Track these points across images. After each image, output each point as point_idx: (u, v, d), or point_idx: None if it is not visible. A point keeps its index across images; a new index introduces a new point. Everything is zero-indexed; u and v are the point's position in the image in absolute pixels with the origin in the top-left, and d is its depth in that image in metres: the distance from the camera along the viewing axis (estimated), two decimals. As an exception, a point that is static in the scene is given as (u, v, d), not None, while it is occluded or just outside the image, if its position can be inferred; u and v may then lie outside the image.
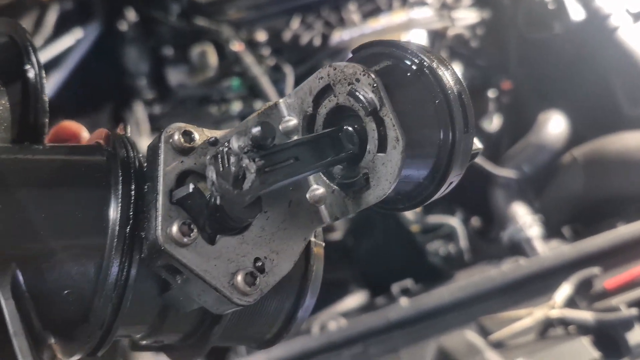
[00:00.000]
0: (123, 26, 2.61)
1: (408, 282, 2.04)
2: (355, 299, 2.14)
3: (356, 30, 2.50)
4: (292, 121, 0.52)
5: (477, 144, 0.54)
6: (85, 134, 0.62)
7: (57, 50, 2.49)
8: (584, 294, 1.70)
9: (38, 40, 2.45)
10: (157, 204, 0.48)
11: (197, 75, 2.52)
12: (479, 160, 2.33)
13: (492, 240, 2.28)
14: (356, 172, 0.50)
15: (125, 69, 2.65)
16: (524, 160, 2.34)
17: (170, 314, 0.55)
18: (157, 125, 2.46)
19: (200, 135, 0.51)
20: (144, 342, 0.59)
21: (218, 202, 0.47)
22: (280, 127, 0.52)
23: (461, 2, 2.65)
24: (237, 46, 2.50)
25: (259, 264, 0.49)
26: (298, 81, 2.50)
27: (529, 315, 1.66)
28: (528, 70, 2.60)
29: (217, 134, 0.52)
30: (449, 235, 2.26)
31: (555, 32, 2.45)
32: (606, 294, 1.68)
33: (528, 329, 1.64)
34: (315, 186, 0.51)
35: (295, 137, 0.52)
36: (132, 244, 0.49)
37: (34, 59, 0.56)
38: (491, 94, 2.56)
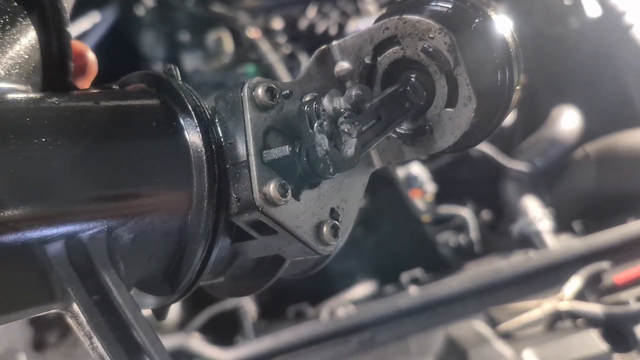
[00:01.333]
0: (140, 11, 2.62)
1: (417, 272, 2.04)
2: (364, 288, 2.15)
3: (372, 20, 2.50)
4: (346, 65, 0.51)
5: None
6: (90, 54, 0.60)
7: (74, 34, 2.48)
8: (593, 288, 1.71)
9: (55, 24, 2.46)
10: (250, 165, 0.47)
11: (212, 61, 2.53)
12: (491, 152, 2.34)
13: (502, 233, 2.29)
14: (419, 123, 0.50)
15: (141, 54, 2.66)
16: (536, 154, 2.34)
17: (238, 260, 0.56)
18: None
19: (277, 88, 0.50)
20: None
21: (309, 162, 0.48)
22: (335, 71, 0.52)
23: (477, -5, 2.65)
24: (253, 33, 2.51)
25: (334, 214, 0.51)
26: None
27: (538, 307, 1.66)
28: (543, 65, 2.60)
29: (289, 85, 0.51)
30: (460, 227, 2.26)
31: (571, 28, 2.44)
32: (615, 288, 1.68)
33: (536, 321, 1.65)
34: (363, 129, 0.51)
35: (349, 83, 0.51)
36: (219, 203, 0.49)
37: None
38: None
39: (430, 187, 2.26)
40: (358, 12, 2.59)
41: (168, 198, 0.49)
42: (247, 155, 0.48)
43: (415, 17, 0.49)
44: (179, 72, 0.52)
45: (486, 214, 2.39)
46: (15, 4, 0.51)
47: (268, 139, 0.49)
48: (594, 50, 2.44)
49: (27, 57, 0.51)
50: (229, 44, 2.51)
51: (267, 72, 2.45)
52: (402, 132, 0.51)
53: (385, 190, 2.31)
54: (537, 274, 1.78)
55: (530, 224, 2.14)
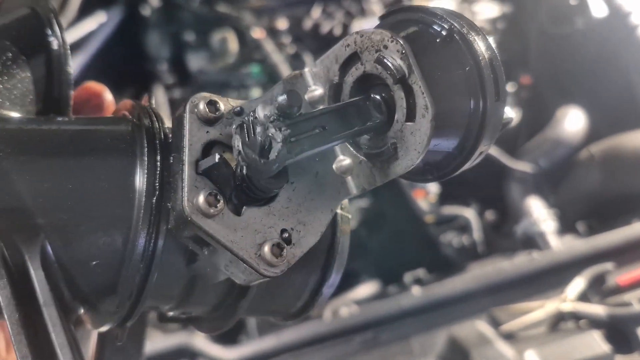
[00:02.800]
0: (146, 11, 2.63)
1: (420, 272, 2.05)
2: (367, 288, 2.15)
3: (377, 21, 2.50)
4: (318, 90, 0.50)
5: (509, 113, 0.51)
6: (108, 95, 0.62)
7: (80, 34, 2.51)
8: (597, 289, 1.70)
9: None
10: (183, 175, 0.47)
11: (217, 61, 2.54)
12: (495, 153, 2.34)
13: (505, 234, 2.29)
14: (384, 142, 0.48)
15: (146, 54, 2.67)
16: (541, 154, 2.34)
17: (198, 286, 0.55)
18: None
19: (225, 105, 0.50)
20: (171, 314, 0.59)
21: (245, 172, 0.47)
22: (306, 97, 0.50)
23: (482, -5, 2.65)
24: (257, 33, 2.51)
25: (286, 235, 0.48)
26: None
27: (541, 308, 1.66)
28: (548, 65, 2.60)
29: (242, 103, 0.51)
30: (463, 227, 2.26)
31: (577, 28, 2.44)
32: (619, 289, 1.68)
33: (539, 322, 1.64)
34: (341, 157, 0.50)
35: (322, 107, 0.50)
36: (158, 214, 0.49)
37: (57, 30, 0.55)
38: (510, 88, 2.56)
39: (434, 188, 2.26)
40: (363, 13, 2.59)
41: (110, 211, 0.50)
42: (182, 164, 0.48)
43: (371, 29, 0.47)
44: (154, 99, 0.53)
45: (490, 215, 2.39)
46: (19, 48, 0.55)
47: (212, 152, 0.49)
48: (600, 51, 2.44)
49: (25, 89, 0.54)
50: (233, 44, 2.52)
51: (271, 72, 2.46)
52: (371, 152, 0.49)
53: (388, 191, 2.31)
54: (540, 275, 1.78)
55: (534, 225, 2.14)
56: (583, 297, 1.68)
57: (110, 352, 0.60)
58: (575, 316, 1.64)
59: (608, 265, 1.72)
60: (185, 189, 0.46)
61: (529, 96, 2.59)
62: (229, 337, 1.85)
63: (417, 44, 0.46)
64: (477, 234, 2.24)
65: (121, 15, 2.64)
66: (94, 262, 0.49)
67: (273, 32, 2.58)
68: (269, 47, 2.48)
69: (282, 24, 2.61)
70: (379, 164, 0.48)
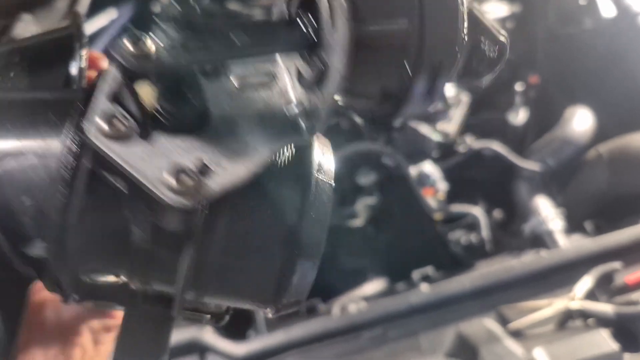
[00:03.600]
0: (156, 8, 2.63)
1: (429, 269, 2.05)
2: (375, 285, 2.16)
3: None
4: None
5: (494, 27, 0.50)
6: (104, 63, 0.63)
7: (90, 30, 2.52)
8: (605, 288, 1.71)
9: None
10: (95, 101, 0.45)
11: (227, 58, 2.54)
12: (503, 151, 2.34)
13: (513, 232, 2.29)
14: (315, 64, 0.46)
15: (156, 50, 2.67)
16: (549, 153, 2.34)
17: (147, 250, 0.49)
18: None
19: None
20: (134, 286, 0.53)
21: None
22: None
23: (492, -6, 2.66)
24: (267, 31, 2.52)
25: (203, 165, 0.44)
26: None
27: (549, 306, 1.66)
28: (556, 65, 2.60)
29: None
30: (472, 225, 2.27)
31: (585, 28, 2.44)
32: (626, 288, 1.68)
33: (547, 320, 1.65)
34: (288, 88, 0.46)
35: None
36: (80, 145, 0.46)
37: (78, 58, 0.57)
38: (518, 87, 2.56)
39: (443, 186, 2.26)
40: (373, 11, 2.60)
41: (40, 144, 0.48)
42: (97, 92, 0.46)
43: None
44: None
45: (498, 213, 2.39)
46: None
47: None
48: (608, 51, 2.44)
49: None
50: (244, 42, 2.52)
51: (281, 69, 2.46)
52: (309, 80, 0.46)
53: (397, 188, 2.32)
54: (548, 273, 1.78)
55: (542, 224, 2.15)
56: (591, 295, 1.68)
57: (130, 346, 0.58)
58: (583, 314, 1.64)
59: (616, 264, 1.72)
60: (93, 112, 0.44)
61: (537, 96, 2.60)
62: (237, 332, 1.86)
63: None
64: (485, 232, 2.24)
65: (132, 12, 2.64)
66: (29, 204, 0.47)
67: (283, 30, 2.58)
68: (279, 44, 2.48)
69: (292, 21, 2.61)
70: (316, 89, 0.46)
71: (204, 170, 0.43)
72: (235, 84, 0.47)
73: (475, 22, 0.47)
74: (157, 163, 0.43)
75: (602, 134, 2.34)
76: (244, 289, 0.52)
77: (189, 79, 0.46)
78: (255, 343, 1.74)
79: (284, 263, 0.49)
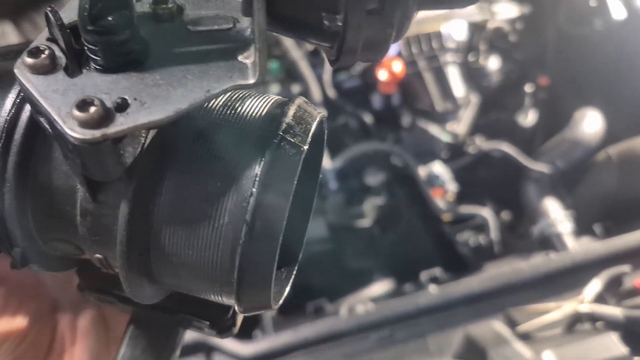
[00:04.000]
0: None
1: (437, 271, 2.05)
2: (383, 285, 2.15)
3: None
4: None
5: None
6: None
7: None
8: (613, 291, 1.70)
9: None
10: (35, 40, 0.44)
11: (236, 56, 2.53)
12: (513, 152, 2.34)
13: (522, 234, 2.29)
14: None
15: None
16: (558, 155, 2.33)
17: (94, 213, 0.47)
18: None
19: None
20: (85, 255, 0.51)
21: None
22: None
23: (502, -5, 2.65)
24: (275, 34, 2.51)
25: (119, 100, 0.40)
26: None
27: (558, 309, 1.66)
28: (566, 67, 2.59)
29: None
30: (480, 227, 2.26)
31: (596, 30, 2.44)
32: (636, 292, 1.67)
33: (556, 323, 1.64)
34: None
35: None
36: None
37: None
38: (528, 88, 2.56)
39: (452, 187, 2.26)
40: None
41: None
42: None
43: None
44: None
45: (506, 215, 2.39)
46: None
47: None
48: (619, 53, 2.43)
49: None
50: (253, 40, 2.51)
51: (290, 68, 2.46)
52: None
53: (406, 188, 2.32)
54: (557, 276, 1.78)
55: (550, 226, 2.14)
56: (600, 298, 1.68)
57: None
58: (592, 318, 1.64)
59: (625, 268, 1.72)
60: (26, 50, 0.43)
61: (546, 97, 2.59)
62: (244, 332, 1.86)
63: None
64: (493, 233, 2.24)
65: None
66: None
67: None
68: (288, 43, 2.47)
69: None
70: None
71: (121, 106, 0.40)
72: (189, 26, 0.44)
73: None
74: (71, 99, 0.40)
75: (611, 136, 2.34)
76: (196, 265, 0.46)
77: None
78: (262, 343, 1.74)
79: (236, 238, 0.43)
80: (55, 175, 0.47)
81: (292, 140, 0.45)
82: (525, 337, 1.63)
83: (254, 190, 0.43)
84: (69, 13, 0.44)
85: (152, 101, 0.40)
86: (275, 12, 0.41)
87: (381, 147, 2.32)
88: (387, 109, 2.43)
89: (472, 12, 2.54)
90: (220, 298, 0.48)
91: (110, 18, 0.41)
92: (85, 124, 0.39)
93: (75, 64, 0.42)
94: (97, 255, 0.48)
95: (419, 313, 1.75)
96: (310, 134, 0.46)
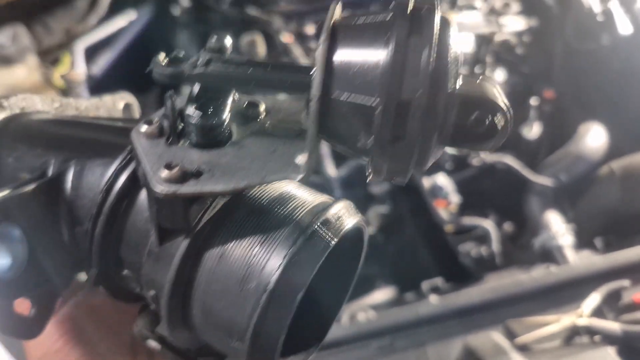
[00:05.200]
0: (176, 11, 2.66)
1: (438, 281, 2.06)
2: (385, 294, 2.16)
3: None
4: None
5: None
6: None
7: (110, 31, 2.55)
8: (612, 306, 1.71)
9: (92, 20, 2.52)
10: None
11: (244, 63, 2.55)
12: (516, 165, 2.35)
13: (523, 246, 2.30)
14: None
15: (175, 53, 2.69)
16: (562, 169, 2.34)
17: (155, 253, 0.57)
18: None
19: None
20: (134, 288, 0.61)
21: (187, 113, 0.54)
22: None
23: (510, 8, 2.66)
24: (286, 38, 2.53)
25: (195, 169, 0.51)
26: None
27: (556, 322, 1.67)
28: (572, 81, 2.60)
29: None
30: (482, 238, 2.27)
31: (602, 44, 2.45)
32: (634, 306, 1.68)
33: (554, 335, 1.65)
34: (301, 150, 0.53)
35: None
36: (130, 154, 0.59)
37: None
38: (533, 101, 2.57)
39: (455, 198, 2.27)
40: (390, 21, 2.60)
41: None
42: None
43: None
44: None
45: (508, 227, 2.40)
46: None
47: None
48: (624, 68, 2.44)
49: None
50: (261, 48, 2.54)
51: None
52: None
53: (409, 198, 2.33)
54: (556, 289, 1.79)
55: (552, 239, 2.15)
56: (598, 312, 1.69)
57: None
58: (590, 331, 1.64)
59: (624, 282, 1.72)
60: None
61: (551, 110, 2.60)
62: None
63: None
64: (495, 245, 2.25)
65: (151, 14, 2.67)
66: (88, 187, 0.59)
67: (301, 37, 2.60)
68: (297, 51, 2.49)
69: (310, 29, 2.62)
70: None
71: (196, 174, 0.51)
72: (267, 125, 0.56)
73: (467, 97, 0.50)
74: (164, 158, 0.52)
75: (615, 150, 2.35)
76: (222, 317, 0.54)
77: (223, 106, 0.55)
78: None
79: (257, 300, 0.51)
80: (138, 218, 0.57)
81: (323, 233, 0.53)
82: (523, 348, 1.64)
83: (281, 266, 0.51)
84: (184, 99, 0.55)
85: (220, 176, 0.51)
86: (327, 125, 0.50)
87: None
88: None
89: (479, 25, 2.56)
90: (228, 350, 0.56)
91: (208, 110, 0.53)
92: (166, 181, 0.50)
93: (175, 137, 0.54)
94: (151, 292, 0.57)
95: (419, 322, 1.76)
96: (342, 233, 0.54)
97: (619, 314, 1.69)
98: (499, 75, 2.56)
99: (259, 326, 0.51)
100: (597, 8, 2.44)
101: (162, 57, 0.55)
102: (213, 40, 0.55)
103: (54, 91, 2.38)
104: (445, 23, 0.49)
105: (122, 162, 0.58)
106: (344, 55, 0.49)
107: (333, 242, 0.53)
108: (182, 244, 0.53)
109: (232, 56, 0.55)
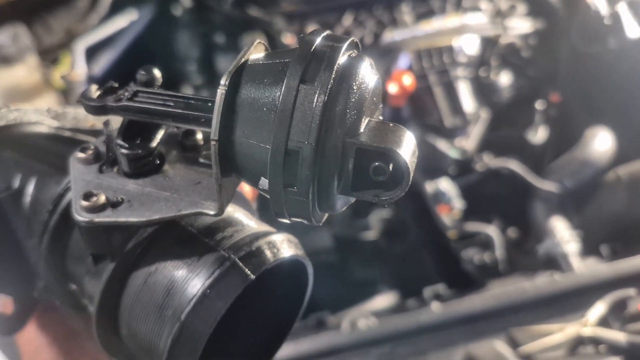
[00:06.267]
0: (177, 11, 2.64)
1: (440, 287, 2.04)
2: (386, 299, 2.15)
3: (408, 32, 2.50)
4: None
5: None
6: None
7: (110, 30, 2.54)
8: (618, 315, 1.69)
9: (93, 20, 2.50)
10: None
11: (246, 64, 2.54)
12: (521, 171, 2.33)
13: (527, 253, 2.27)
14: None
15: (176, 53, 2.68)
16: (567, 174, 2.32)
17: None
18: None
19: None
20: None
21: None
22: None
23: (515, 10, 2.64)
24: (288, 38, 2.52)
25: (117, 199, 0.54)
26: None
27: (561, 331, 1.65)
28: (578, 84, 2.58)
29: None
30: (485, 244, 2.25)
31: (609, 48, 2.42)
32: (640, 316, 1.67)
33: (558, 345, 1.64)
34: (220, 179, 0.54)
35: None
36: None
37: None
38: (539, 105, 2.55)
39: (459, 204, 2.25)
40: (394, 22, 2.58)
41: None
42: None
43: None
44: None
45: (512, 233, 2.37)
46: None
47: None
48: (632, 72, 2.41)
49: None
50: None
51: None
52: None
53: (412, 203, 2.31)
54: (561, 297, 1.77)
55: (556, 245, 2.12)
56: (604, 322, 1.67)
57: None
58: (595, 341, 1.63)
59: (630, 291, 1.71)
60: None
61: (557, 114, 2.58)
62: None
63: None
64: (499, 251, 2.22)
65: (152, 14, 2.65)
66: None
67: (303, 38, 2.58)
68: (299, 53, 2.48)
69: (312, 30, 2.61)
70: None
71: (115, 204, 0.54)
72: (201, 158, 0.60)
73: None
74: (88, 186, 0.55)
75: (622, 156, 2.32)
76: (144, 338, 0.58)
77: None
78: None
79: (170, 332, 0.55)
80: (78, 242, 0.60)
81: (242, 267, 0.55)
82: (526, 358, 1.63)
83: (196, 297, 0.53)
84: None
85: (138, 206, 0.54)
86: (233, 163, 0.52)
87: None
88: (396, 122, 2.42)
89: (485, 27, 2.54)
90: None
91: (137, 141, 0.56)
92: (86, 209, 0.53)
93: (108, 165, 0.57)
94: (91, 308, 0.60)
95: (420, 330, 1.75)
96: (264, 268, 0.56)
97: (624, 323, 1.67)
98: (504, 78, 2.53)
99: (172, 353, 0.54)
100: (604, 11, 2.41)
101: (94, 88, 0.57)
102: (143, 73, 0.57)
103: (54, 92, 2.37)
104: (353, 64, 0.49)
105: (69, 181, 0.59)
106: (246, 96, 0.50)
107: (251, 277, 0.55)
108: (108, 267, 0.56)
109: (159, 90, 0.57)
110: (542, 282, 1.85)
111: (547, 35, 2.62)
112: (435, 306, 1.82)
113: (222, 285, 0.54)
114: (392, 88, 2.28)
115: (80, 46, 2.42)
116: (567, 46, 2.56)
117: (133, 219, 0.53)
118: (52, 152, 0.65)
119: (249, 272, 0.55)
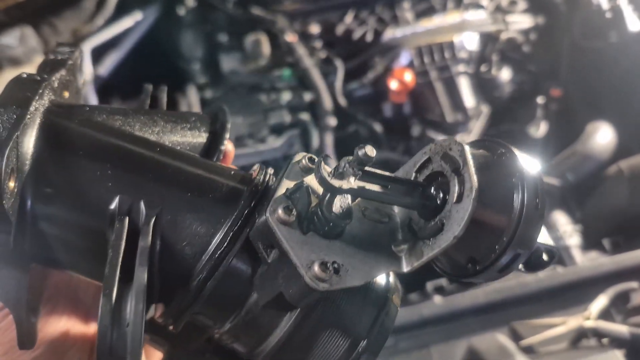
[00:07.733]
0: (181, 11, 2.66)
1: (443, 281, 2.05)
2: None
3: (409, 29, 2.51)
4: None
5: (549, 240, 0.60)
6: (230, 146, 0.77)
7: (116, 31, 2.55)
8: (620, 308, 1.70)
9: (98, 21, 2.52)
10: (275, 192, 0.59)
11: (249, 63, 2.56)
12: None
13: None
14: (434, 222, 0.58)
15: (180, 53, 2.70)
16: (569, 168, 2.32)
17: (252, 313, 0.62)
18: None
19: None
20: (217, 336, 0.65)
21: (320, 206, 0.58)
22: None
23: (516, 6, 2.64)
24: (290, 37, 2.53)
25: (336, 265, 0.56)
26: (348, 75, 2.54)
27: (563, 324, 1.66)
28: (579, 79, 2.58)
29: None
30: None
31: (610, 42, 2.42)
32: (643, 309, 1.67)
33: (561, 337, 1.64)
34: (400, 238, 0.61)
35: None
36: (246, 220, 0.61)
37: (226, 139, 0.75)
38: (540, 100, 2.55)
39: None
40: (395, 20, 2.60)
41: (214, 210, 0.62)
42: (277, 185, 0.61)
43: (443, 137, 0.61)
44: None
45: (515, 227, 2.38)
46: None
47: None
48: (633, 66, 2.41)
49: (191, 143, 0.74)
50: (266, 47, 2.54)
51: (302, 75, 2.48)
52: (421, 230, 0.59)
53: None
54: (563, 290, 1.77)
55: (559, 239, 2.13)
56: (606, 315, 1.67)
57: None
58: (598, 334, 1.63)
59: (633, 284, 1.71)
60: (273, 200, 0.58)
61: (558, 109, 2.58)
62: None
63: (479, 158, 0.59)
64: (501, 245, 2.23)
65: (157, 14, 2.67)
66: (184, 243, 0.61)
67: (305, 37, 2.60)
68: (301, 51, 2.49)
69: (314, 28, 2.62)
70: (427, 240, 0.58)
71: (336, 269, 0.56)
72: (360, 213, 0.62)
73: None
74: (308, 254, 0.56)
75: (623, 149, 2.32)
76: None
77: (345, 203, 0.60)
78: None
79: (351, 346, 0.61)
80: (235, 280, 0.62)
81: (395, 303, 0.65)
82: (529, 350, 1.64)
83: (363, 344, 0.61)
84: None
85: (352, 271, 0.57)
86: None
87: (391, 156, 2.32)
88: (398, 118, 2.44)
89: (485, 23, 2.54)
90: None
91: (337, 212, 0.58)
92: (320, 279, 0.55)
93: (307, 226, 0.58)
94: (228, 336, 0.64)
95: (423, 323, 1.75)
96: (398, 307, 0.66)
97: (627, 316, 1.68)
98: (505, 73, 2.54)
99: None
100: (605, 5, 2.42)
101: (324, 166, 0.58)
102: (360, 153, 0.57)
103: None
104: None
105: (234, 227, 0.61)
106: None
107: (398, 309, 0.66)
108: (290, 315, 0.61)
109: (370, 169, 0.60)
110: (544, 276, 1.85)
111: (547, 30, 2.63)
112: (438, 299, 1.83)
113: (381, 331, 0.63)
114: (394, 84, 2.30)
115: (87, 47, 2.44)
116: (568, 41, 2.57)
117: (354, 283, 0.57)
118: (156, 178, 0.64)
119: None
